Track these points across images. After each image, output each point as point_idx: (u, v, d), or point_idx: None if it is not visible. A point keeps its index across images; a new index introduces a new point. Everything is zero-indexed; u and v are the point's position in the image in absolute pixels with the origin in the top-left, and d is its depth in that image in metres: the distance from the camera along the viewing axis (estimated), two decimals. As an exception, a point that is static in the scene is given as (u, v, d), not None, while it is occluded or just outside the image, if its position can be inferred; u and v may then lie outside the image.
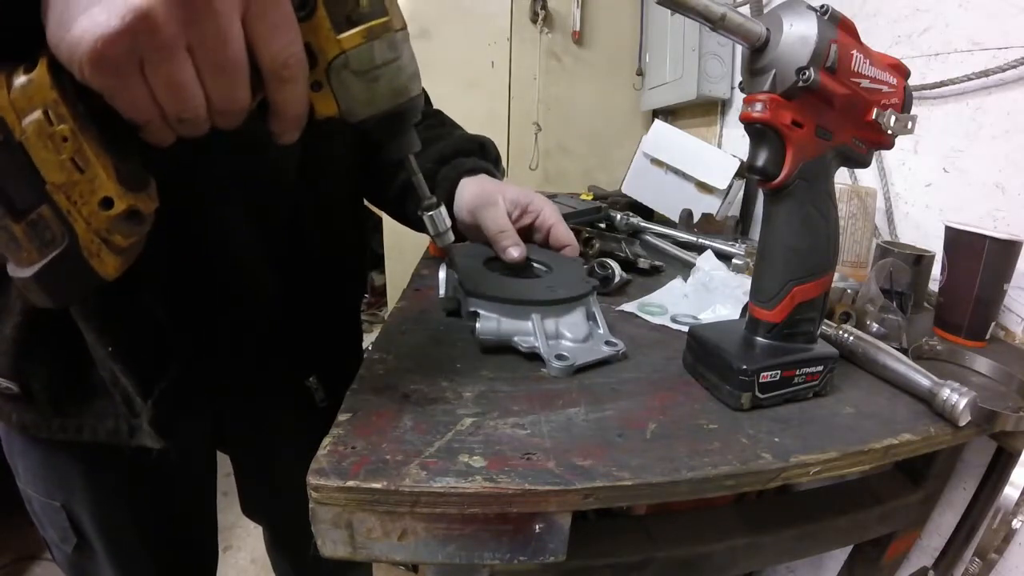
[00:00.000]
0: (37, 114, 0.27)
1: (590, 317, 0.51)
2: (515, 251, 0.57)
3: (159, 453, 0.51)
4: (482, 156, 0.68)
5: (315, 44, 0.32)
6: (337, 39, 0.32)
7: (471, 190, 0.62)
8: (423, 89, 0.39)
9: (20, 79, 0.27)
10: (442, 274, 0.54)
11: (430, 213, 0.44)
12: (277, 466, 0.72)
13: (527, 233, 0.65)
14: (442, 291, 0.54)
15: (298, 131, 0.34)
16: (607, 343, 0.48)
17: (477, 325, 0.46)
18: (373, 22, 0.32)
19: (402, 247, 1.86)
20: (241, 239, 0.52)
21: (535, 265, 0.59)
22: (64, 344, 0.47)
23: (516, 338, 0.47)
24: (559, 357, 0.45)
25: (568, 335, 0.48)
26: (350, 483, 0.30)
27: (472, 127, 0.74)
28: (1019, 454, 0.46)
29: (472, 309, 0.48)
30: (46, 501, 0.56)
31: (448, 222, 0.45)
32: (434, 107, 0.77)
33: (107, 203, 0.29)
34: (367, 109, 0.35)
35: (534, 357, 0.46)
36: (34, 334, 0.47)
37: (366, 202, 0.75)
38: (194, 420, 0.59)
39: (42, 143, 0.27)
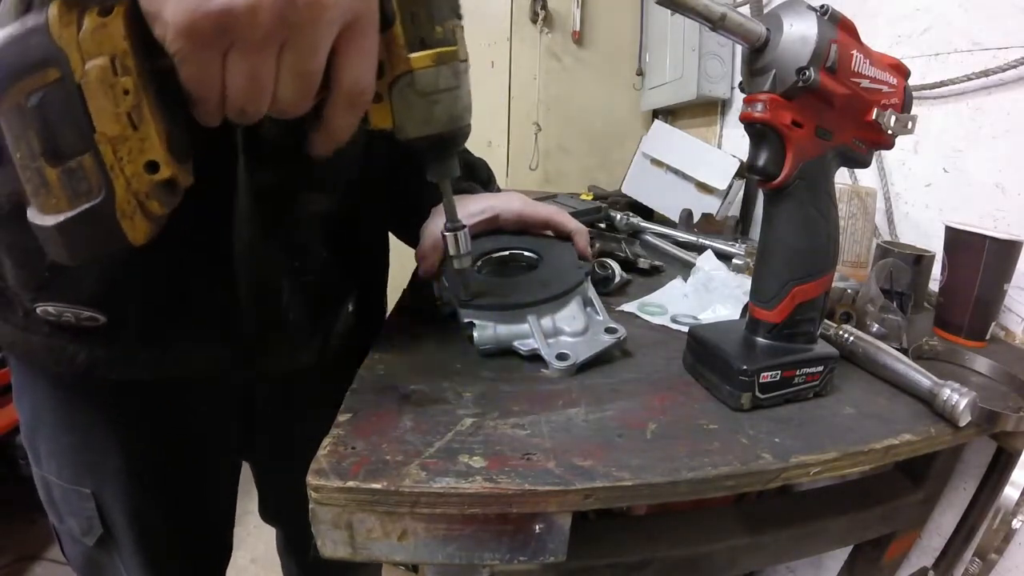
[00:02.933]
0: (103, 60, 0.25)
1: (587, 303, 0.51)
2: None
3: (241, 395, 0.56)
4: (469, 177, 0.68)
5: (385, 58, 0.32)
6: (407, 57, 0.33)
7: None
8: None
9: (93, 21, 0.25)
10: (436, 284, 0.54)
11: (451, 234, 0.44)
12: (303, 469, 0.71)
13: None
14: (439, 299, 0.54)
15: (333, 150, 0.34)
16: (607, 330, 0.48)
17: (474, 335, 0.46)
18: (444, 48, 0.33)
19: (402, 247, 1.84)
20: (310, 228, 0.53)
21: (526, 255, 0.58)
22: (172, 271, 0.45)
23: (516, 343, 0.46)
24: (560, 357, 0.45)
25: (567, 329, 0.48)
26: (350, 483, 0.30)
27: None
28: (1019, 454, 0.46)
29: (467, 320, 0.47)
30: (72, 488, 0.54)
31: (468, 246, 0.45)
32: None
33: (153, 167, 0.28)
34: (421, 129, 0.35)
35: (535, 357, 0.46)
36: (147, 258, 0.44)
37: None
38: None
39: (102, 91, 0.26)
